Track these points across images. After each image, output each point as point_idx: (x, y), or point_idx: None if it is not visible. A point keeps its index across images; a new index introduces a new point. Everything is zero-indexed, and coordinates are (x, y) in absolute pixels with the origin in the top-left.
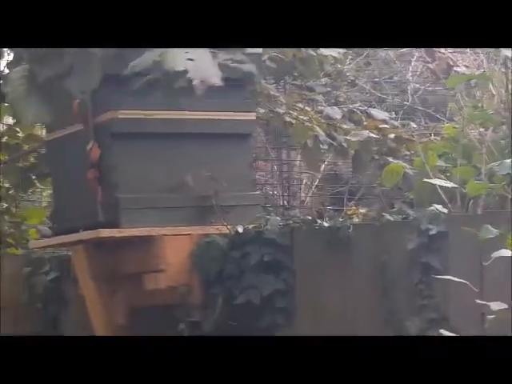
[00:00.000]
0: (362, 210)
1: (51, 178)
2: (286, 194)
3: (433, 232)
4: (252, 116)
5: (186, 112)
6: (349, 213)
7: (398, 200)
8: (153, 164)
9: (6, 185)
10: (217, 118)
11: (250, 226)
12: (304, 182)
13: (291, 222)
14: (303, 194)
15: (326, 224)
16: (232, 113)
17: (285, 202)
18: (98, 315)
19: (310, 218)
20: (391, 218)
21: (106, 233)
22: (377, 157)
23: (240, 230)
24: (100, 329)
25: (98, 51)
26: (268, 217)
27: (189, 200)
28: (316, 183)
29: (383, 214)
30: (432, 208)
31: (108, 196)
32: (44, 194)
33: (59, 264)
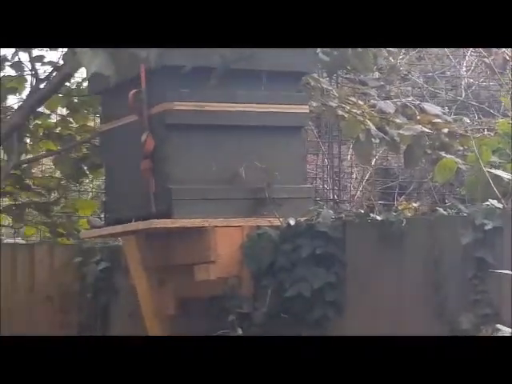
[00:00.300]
0: (414, 205)
1: (104, 168)
2: (336, 188)
3: (488, 227)
4: (305, 109)
5: (240, 104)
6: (400, 207)
7: (450, 195)
8: (206, 156)
9: (59, 175)
10: (270, 110)
11: (302, 219)
12: (354, 176)
13: (343, 215)
14: (353, 188)
15: (378, 218)
16: (285, 105)
17: (335, 196)
18: (148, 305)
19: (362, 211)
20: (445, 213)
21: (159, 223)
22: (429, 151)
23: (292, 222)
24: (149, 319)
25: None
26: (320, 210)
27: (241, 192)
28: (366, 177)
29: (436, 208)
30: (487, 203)
31: (161, 187)
32: (91, 185)
33: (110, 254)
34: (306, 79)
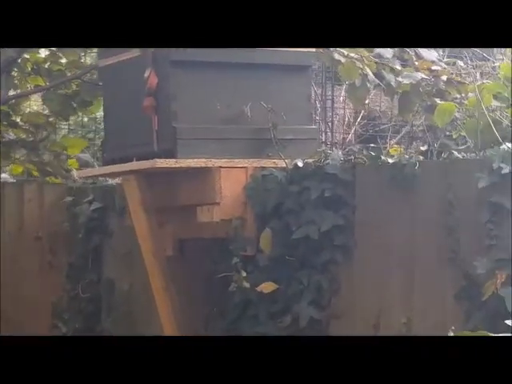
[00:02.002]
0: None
1: (103, 105)
2: (328, 130)
3: (505, 171)
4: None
5: None
6: (390, 151)
7: (443, 138)
8: (211, 94)
9: (47, 112)
10: (276, 48)
11: (310, 161)
12: (346, 119)
13: (353, 157)
14: (345, 131)
15: (390, 160)
16: None
17: (327, 139)
18: (148, 247)
19: (373, 153)
20: (460, 156)
21: (162, 163)
22: (425, 98)
23: (300, 164)
24: (149, 260)
25: None
26: (329, 152)
27: (246, 132)
28: (358, 120)
29: (452, 151)
30: (504, 146)
31: (164, 125)
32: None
33: (103, 194)
34: None
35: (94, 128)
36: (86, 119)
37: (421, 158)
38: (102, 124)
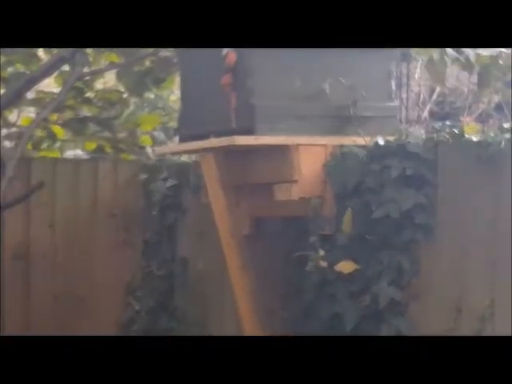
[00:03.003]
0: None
1: (181, 82)
2: (403, 108)
3: None
4: None
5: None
6: (466, 129)
7: None
8: (290, 71)
9: (121, 89)
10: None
11: (391, 138)
12: (421, 96)
13: (435, 135)
14: (420, 107)
15: (474, 139)
16: None
17: (401, 116)
18: (224, 225)
19: (456, 131)
20: None
21: (241, 140)
22: (505, 72)
23: (381, 141)
24: (225, 238)
25: None
26: (410, 129)
27: (325, 109)
28: (434, 97)
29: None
30: None
31: (243, 103)
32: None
33: (178, 171)
34: None
35: (161, 105)
36: (152, 96)
37: (507, 136)
38: (171, 101)
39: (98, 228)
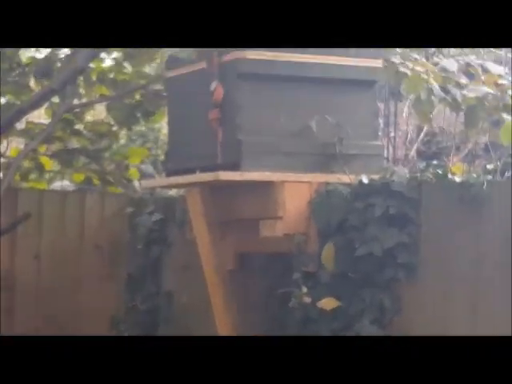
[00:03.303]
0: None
1: (168, 116)
2: (390, 146)
3: None
4: (378, 63)
5: (314, 55)
6: (453, 169)
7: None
8: (277, 107)
9: (110, 121)
10: (344, 63)
11: (376, 177)
12: (409, 135)
13: (419, 175)
14: (407, 147)
15: (457, 179)
16: (359, 58)
17: (389, 155)
18: (209, 260)
19: (440, 171)
20: None
21: (226, 176)
22: (491, 113)
23: (365, 180)
24: (209, 273)
25: None
26: (395, 168)
27: (312, 146)
28: (421, 136)
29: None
30: None
31: (229, 138)
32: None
33: (164, 205)
34: None
35: (152, 138)
36: (144, 129)
37: (489, 177)
38: (162, 135)
39: (83, 260)
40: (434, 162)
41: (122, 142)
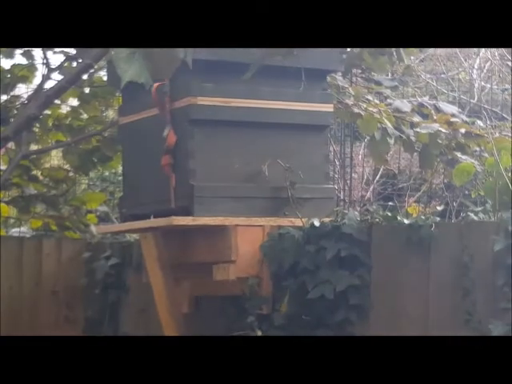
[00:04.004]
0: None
1: (122, 162)
2: (346, 188)
3: None
4: (330, 107)
5: (265, 101)
6: (409, 210)
7: (463, 198)
8: (229, 152)
9: (68, 167)
10: (295, 108)
11: (327, 220)
12: (365, 177)
13: (369, 217)
14: (363, 188)
15: (406, 221)
16: (310, 103)
17: (345, 197)
18: (163, 303)
19: (389, 214)
20: (476, 218)
21: (179, 221)
22: (445, 151)
23: (316, 223)
24: (164, 317)
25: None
26: (345, 211)
27: (264, 190)
28: (377, 178)
29: (468, 213)
30: None
31: (182, 183)
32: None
33: (120, 250)
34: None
35: (114, 181)
36: (106, 173)
37: (437, 219)
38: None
39: (40, 305)
40: (390, 204)
41: (83, 186)
